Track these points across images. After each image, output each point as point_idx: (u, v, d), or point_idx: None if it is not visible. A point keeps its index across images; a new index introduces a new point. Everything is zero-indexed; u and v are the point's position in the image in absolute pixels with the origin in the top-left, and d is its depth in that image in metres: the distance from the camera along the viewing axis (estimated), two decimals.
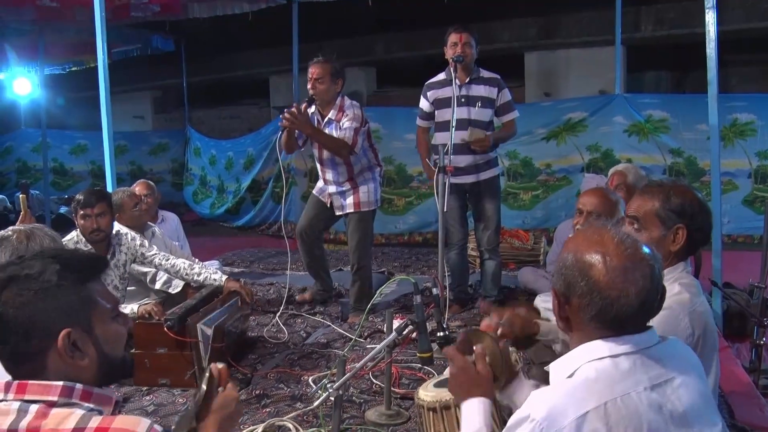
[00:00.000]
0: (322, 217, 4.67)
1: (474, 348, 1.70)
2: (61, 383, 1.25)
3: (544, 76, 10.26)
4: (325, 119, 4.35)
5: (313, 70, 4.29)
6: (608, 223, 1.48)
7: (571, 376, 1.39)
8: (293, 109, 4.16)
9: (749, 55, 9.84)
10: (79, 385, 1.27)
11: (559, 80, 10.08)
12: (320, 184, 4.64)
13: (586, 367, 1.38)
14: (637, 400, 1.33)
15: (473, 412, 1.62)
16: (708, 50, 4.18)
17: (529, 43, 10.39)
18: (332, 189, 4.50)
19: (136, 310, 3.56)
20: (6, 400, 1.24)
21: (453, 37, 4.28)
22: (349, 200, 4.47)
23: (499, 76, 4.43)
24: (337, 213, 4.57)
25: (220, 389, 1.53)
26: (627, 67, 9.74)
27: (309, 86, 4.30)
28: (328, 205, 4.59)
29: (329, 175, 4.48)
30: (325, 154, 4.41)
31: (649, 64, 10.34)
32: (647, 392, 1.34)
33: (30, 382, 1.25)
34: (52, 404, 1.23)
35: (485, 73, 4.40)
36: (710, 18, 4.15)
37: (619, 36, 7.79)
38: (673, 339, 1.51)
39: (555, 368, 1.45)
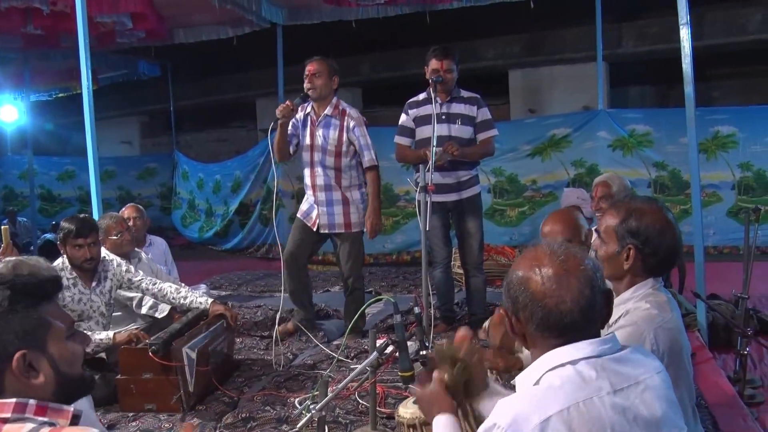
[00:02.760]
0: (309, 241, 4.55)
1: (434, 374, 1.78)
2: (14, 400, 1.28)
3: (529, 93, 10.34)
4: (320, 117, 4.33)
5: (310, 67, 4.30)
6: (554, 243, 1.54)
7: (536, 383, 1.43)
8: (287, 104, 4.20)
9: (731, 68, 9.98)
10: (32, 401, 1.30)
11: (544, 97, 10.16)
12: (305, 206, 4.55)
13: (550, 374, 1.42)
14: (599, 405, 1.36)
15: (439, 427, 1.71)
16: (684, 66, 4.21)
17: (513, 61, 10.48)
18: (321, 197, 4.41)
19: (111, 336, 3.46)
20: None
21: (434, 64, 4.30)
22: (339, 219, 4.42)
23: (478, 95, 4.46)
24: (323, 231, 4.46)
25: None
26: (611, 82, 9.84)
27: (306, 83, 4.29)
28: (315, 229, 4.49)
29: (319, 180, 4.41)
30: (316, 156, 4.38)
31: (633, 79, 10.45)
32: (610, 396, 1.37)
33: None
34: (5, 420, 1.26)
35: (465, 93, 4.44)
36: (684, 34, 4.19)
37: (600, 52, 7.86)
38: (636, 347, 1.55)
39: (520, 380, 1.50)
